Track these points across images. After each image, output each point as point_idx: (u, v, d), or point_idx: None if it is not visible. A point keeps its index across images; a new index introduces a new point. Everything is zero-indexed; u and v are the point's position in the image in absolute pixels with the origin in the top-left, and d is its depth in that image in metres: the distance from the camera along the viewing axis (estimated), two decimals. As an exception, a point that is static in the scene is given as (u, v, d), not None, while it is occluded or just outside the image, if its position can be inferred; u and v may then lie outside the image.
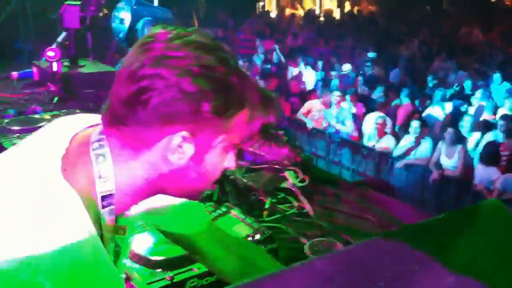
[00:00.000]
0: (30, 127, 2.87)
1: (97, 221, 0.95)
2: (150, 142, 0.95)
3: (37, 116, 3.11)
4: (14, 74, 4.04)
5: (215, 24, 14.21)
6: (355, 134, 8.07)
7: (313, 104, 8.62)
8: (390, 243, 1.08)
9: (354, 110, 8.32)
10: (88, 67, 4.15)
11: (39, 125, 2.89)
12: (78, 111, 3.23)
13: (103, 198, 0.95)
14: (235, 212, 1.94)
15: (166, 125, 0.92)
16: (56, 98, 3.56)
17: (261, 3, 19.34)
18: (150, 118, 0.92)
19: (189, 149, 0.95)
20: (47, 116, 3.11)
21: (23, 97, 3.71)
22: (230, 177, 2.27)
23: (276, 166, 2.50)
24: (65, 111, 3.25)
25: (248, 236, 1.79)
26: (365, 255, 1.05)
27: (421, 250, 1.04)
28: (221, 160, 1.02)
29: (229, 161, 1.04)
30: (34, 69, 4.19)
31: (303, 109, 8.60)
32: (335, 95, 8.36)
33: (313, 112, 8.46)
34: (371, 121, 7.76)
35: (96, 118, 1.03)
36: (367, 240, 1.12)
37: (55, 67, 3.68)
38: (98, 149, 0.96)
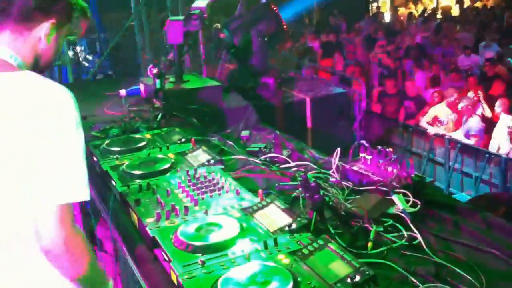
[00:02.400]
0: (129, 147, 2.86)
1: None
2: (30, 28, 1.66)
3: (137, 135, 3.09)
4: (122, 91, 4.10)
5: (328, 29, 13.98)
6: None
7: (438, 110, 8.02)
8: None
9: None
10: (192, 82, 4.12)
11: (139, 145, 2.87)
12: (177, 129, 3.18)
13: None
14: (333, 246, 1.72)
15: (39, 19, 1.67)
16: (160, 115, 3.54)
17: (374, 4, 18.79)
18: (28, 18, 1.65)
19: (53, 33, 1.72)
20: (147, 135, 3.09)
21: (129, 114, 3.74)
22: (330, 202, 2.05)
23: (383, 188, 2.25)
24: (166, 129, 3.22)
25: (347, 276, 1.57)
26: None
27: None
28: (60, 45, 1.80)
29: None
30: (141, 86, 4.24)
31: (427, 117, 8.03)
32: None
33: (441, 118, 7.88)
34: (503, 124, 7.07)
35: None
36: None
37: (158, 84, 3.68)
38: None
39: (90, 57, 14.01)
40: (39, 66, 1.74)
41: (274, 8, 5.28)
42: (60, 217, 1.50)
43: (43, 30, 1.68)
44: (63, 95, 1.55)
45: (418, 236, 1.94)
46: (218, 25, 5.76)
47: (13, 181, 1.52)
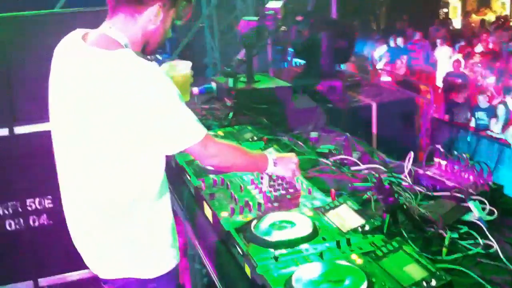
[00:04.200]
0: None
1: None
2: (141, 11, 1.83)
3: (211, 132, 3.15)
4: (195, 89, 4.20)
5: (395, 34, 13.75)
6: None
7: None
8: None
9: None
10: (263, 82, 4.17)
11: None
12: (249, 127, 3.23)
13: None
14: (407, 249, 1.72)
15: (149, 2, 1.83)
16: (230, 114, 3.61)
17: (444, 10, 18.32)
18: (139, 1, 1.82)
19: (161, 15, 1.86)
20: (220, 132, 3.16)
21: (201, 112, 3.83)
22: (404, 206, 2.04)
23: (459, 195, 2.21)
24: (238, 127, 3.28)
25: (422, 280, 1.56)
26: None
27: None
28: (167, 29, 1.95)
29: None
30: (214, 85, 4.33)
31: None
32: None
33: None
34: None
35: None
36: None
37: (230, 82, 3.75)
38: (109, 25, 1.85)
39: (160, 57, 14.35)
40: (147, 47, 1.93)
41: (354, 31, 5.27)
42: (200, 151, 1.91)
43: (153, 12, 1.85)
44: (155, 66, 1.77)
45: (495, 244, 1.90)
46: (285, 28, 5.80)
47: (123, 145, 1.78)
